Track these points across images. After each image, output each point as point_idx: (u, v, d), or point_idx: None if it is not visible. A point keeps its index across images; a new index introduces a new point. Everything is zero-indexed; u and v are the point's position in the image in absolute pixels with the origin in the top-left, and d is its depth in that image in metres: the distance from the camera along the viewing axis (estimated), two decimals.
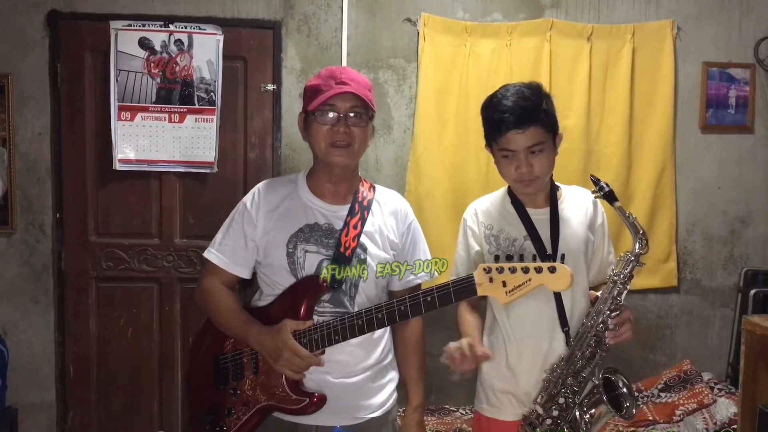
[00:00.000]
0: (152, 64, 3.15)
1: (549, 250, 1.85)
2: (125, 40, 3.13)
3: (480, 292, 1.62)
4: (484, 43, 3.30)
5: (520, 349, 1.86)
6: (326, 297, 1.76)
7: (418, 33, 3.29)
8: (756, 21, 3.46)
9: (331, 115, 1.75)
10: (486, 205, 1.96)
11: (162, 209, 3.29)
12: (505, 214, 1.92)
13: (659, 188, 3.43)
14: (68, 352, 3.30)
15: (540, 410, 1.79)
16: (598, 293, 1.79)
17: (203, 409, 1.85)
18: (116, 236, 3.28)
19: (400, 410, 1.94)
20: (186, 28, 3.17)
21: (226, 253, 1.84)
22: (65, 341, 3.30)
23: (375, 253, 1.80)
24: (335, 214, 1.81)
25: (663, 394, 3.27)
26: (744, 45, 3.47)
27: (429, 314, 3.47)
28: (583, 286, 1.89)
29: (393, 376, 1.91)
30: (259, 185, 1.88)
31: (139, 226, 3.28)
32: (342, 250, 1.75)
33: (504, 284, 1.59)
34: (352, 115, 1.75)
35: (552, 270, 1.56)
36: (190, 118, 3.18)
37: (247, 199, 1.86)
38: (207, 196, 3.28)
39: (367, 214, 1.82)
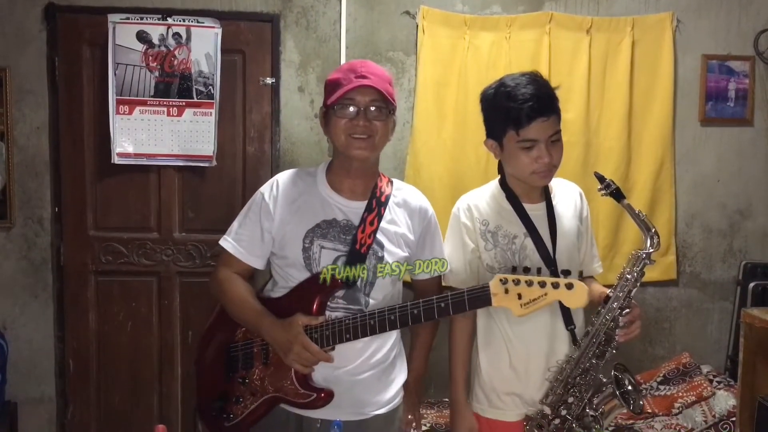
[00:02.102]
0: (150, 58, 3.14)
1: (549, 247, 1.84)
2: (123, 34, 3.11)
3: (495, 303, 1.61)
4: (484, 36, 3.29)
5: (523, 350, 1.84)
6: (340, 293, 1.75)
7: (417, 26, 3.28)
8: (756, 13, 3.45)
9: (351, 108, 1.73)
10: (479, 200, 1.91)
11: (161, 203, 3.28)
12: (500, 209, 1.87)
13: (659, 181, 3.43)
14: (68, 347, 3.30)
15: (547, 410, 1.78)
16: (609, 291, 1.77)
17: (212, 396, 1.86)
18: (115, 230, 3.28)
19: None
20: (184, 21, 3.15)
21: (241, 243, 1.83)
22: (65, 335, 3.29)
23: (391, 250, 1.79)
24: (354, 210, 1.79)
25: (662, 387, 3.27)
26: (743, 37, 3.46)
27: None
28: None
29: (401, 374, 1.91)
30: (278, 176, 1.87)
31: (138, 220, 3.28)
32: (357, 247, 1.74)
33: (519, 296, 1.57)
34: (372, 109, 1.73)
35: (569, 287, 1.55)
36: (188, 112, 3.17)
37: (266, 189, 1.84)
38: (206, 190, 3.28)
39: (384, 210, 1.80)
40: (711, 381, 3.21)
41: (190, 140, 3.18)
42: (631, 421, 3.06)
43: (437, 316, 1.65)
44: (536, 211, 1.86)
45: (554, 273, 1.81)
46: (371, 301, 1.77)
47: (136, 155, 3.17)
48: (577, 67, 3.33)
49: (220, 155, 3.21)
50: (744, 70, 3.47)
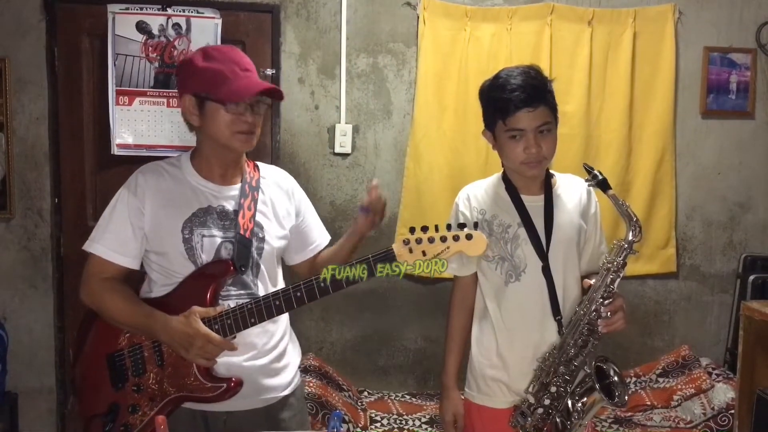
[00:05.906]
0: (150, 48, 3.13)
1: (543, 238, 1.84)
2: (123, 24, 3.10)
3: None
4: (485, 27, 3.28)
5: (511, 338, 1.85)
6: (229, 280, 1.73)
7: (418, 17, 3.26)
8: (758, 6, 3.44)
9: (243, 105, 1.70)
10: (479, 190, 1.94)
11: None
12: (498, 199, 1.90)
13: (659, 174, 3.43)
14: (68, 337, 3.29)
15: (531, 399, 1.79)
16: (592, 281, 1.78)
17: (100, 411, 1.74)
18: None
19: None
20: (184, 11, 3.14)
21: (111, 244, 1.74)
22: (65, 326, 3.29)
23: (270, 230, 1.80)
24: (226, 195, 1.78)
25: (661, 380, 3.28)
26: (745, 30, 3.45)
27: (426, 300, 3.46)
28: (575, 275, 1.88)
29: (296, 352, 1.92)
30: (139, 171, 1.78)
31: None
32: (242, 232, 1.73)
33: (424, 254, 1.60)
34: (260, 104, 1.74)
35: (469, 237, 1.58)
36: None
37: (130, 185, 1.76)
38: None
39: (258, 193, 1.81)
40: (710, 374, 3.22)
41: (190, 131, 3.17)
42: (629, 414, 3.06)
43: (345, 285, 1.62)
44: (534, 203, 1.88)
45: (545, 265, 1.83)
46: (259, 283, 1.76)
47: (136, 146, 3.17)
48: (578, 59, 3.32)
49: None
50: (745, 63, 3.46)
